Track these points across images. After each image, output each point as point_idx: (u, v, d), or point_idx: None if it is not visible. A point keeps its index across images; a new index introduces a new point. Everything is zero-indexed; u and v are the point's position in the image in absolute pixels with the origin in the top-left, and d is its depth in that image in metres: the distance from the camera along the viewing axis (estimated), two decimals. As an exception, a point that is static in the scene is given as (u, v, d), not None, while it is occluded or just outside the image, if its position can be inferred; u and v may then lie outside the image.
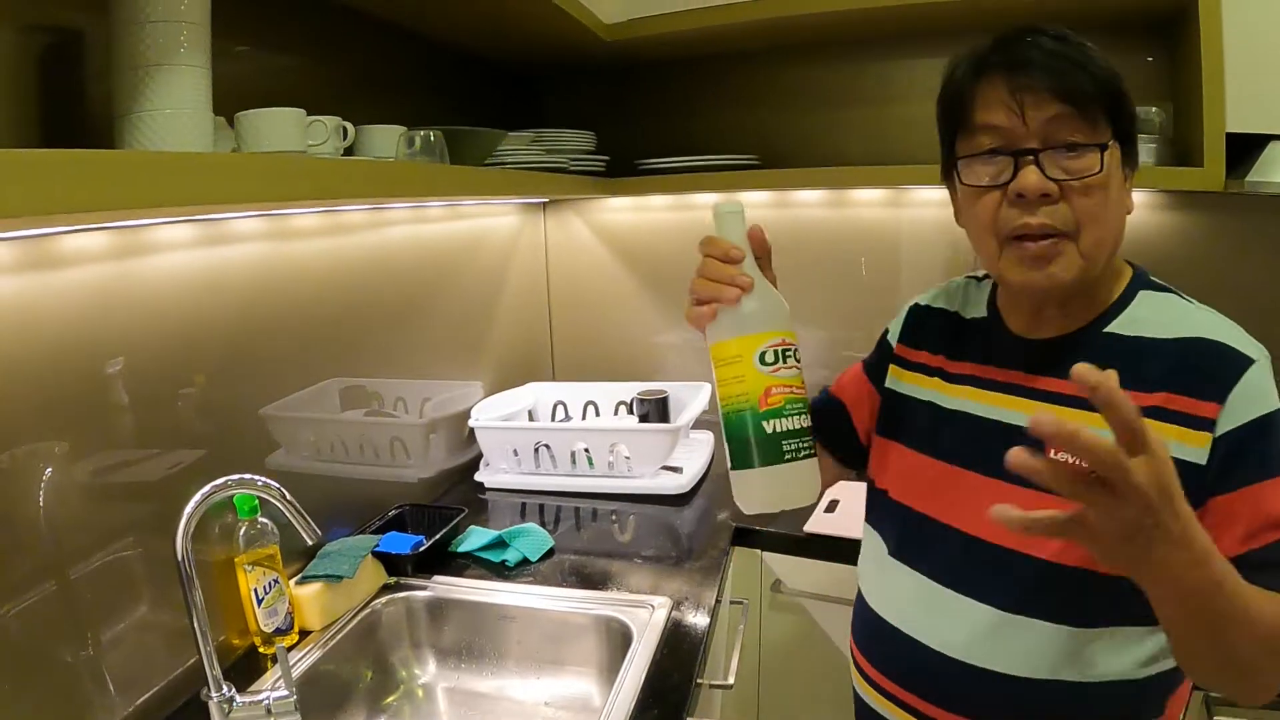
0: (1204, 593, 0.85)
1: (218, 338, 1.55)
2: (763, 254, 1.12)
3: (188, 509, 1.21)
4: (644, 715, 1.34)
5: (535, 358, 3.02)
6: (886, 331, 1.41)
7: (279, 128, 1.26)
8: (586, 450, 2.29)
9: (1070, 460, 0.77)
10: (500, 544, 1.93)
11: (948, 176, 1.17)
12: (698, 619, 1.63)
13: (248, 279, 1.62)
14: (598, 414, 2.65)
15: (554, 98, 2.91)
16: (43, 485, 1.21)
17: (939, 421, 1.22)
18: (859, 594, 1.32)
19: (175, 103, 1.07)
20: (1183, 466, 0.87)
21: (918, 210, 2.55)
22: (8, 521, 1.16)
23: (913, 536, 1.14)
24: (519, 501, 2.31)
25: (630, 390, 2.57)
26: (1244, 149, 1.92)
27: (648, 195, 2.79)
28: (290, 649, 1.54)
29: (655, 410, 2.42)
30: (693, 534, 2.05)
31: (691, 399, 2.42)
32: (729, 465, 1.09)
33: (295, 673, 1.43)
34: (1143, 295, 1.13)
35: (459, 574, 1.85)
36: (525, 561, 1.89)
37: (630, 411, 2.57)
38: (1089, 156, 1.02)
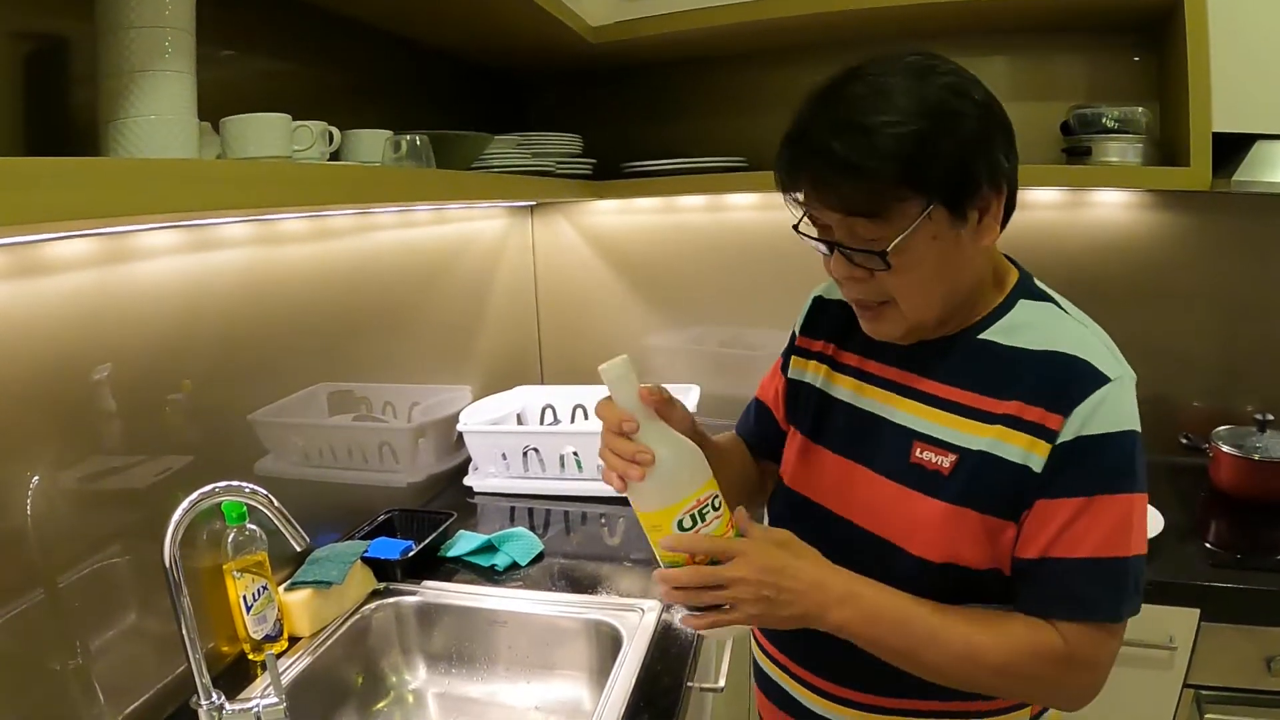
0: (866, 624, 1.05)
1: (205, 343, 1.55)
2: (660, 408, 1.12)
3: (175, 516, 1.20)
4: (635, 719, 1.34)
5: (523, 361, 3.02)
6: (795, 323, 1.43)
7: (264, 133, 1.25)
8: (575, 453, 2.29)
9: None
10: (490, 548, 1.93)
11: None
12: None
13: (234, 284, 1.62)
14: (586, 417, 2.65)
15: (541, 101, 2.90)
16: (30, 492, 1.20)
17: (824, 408, 1.27)
18: None
19: (160, 109, 1.07)
20: (1021, 472, 1.05)
21: None
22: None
23: (803, 523, 1.18)
24: (508, 505, 2.31)
25: (619, 393, 2.56)
26: (1231, 149, 1.94)
27: (635, 198, 2.79)
28: (280, 655, 1.54)
29: (644, 413, 2.42)
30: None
31: (681, 400, 2.41)
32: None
33: (285, 679, 1.43)
34: (1022, 304, 1.14)
35: (448, 579, 1.85)
36: (515, 566, 1.89)
37: (619, 414, 2.56)
38: (871, 259, 1.05)
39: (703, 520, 1.06)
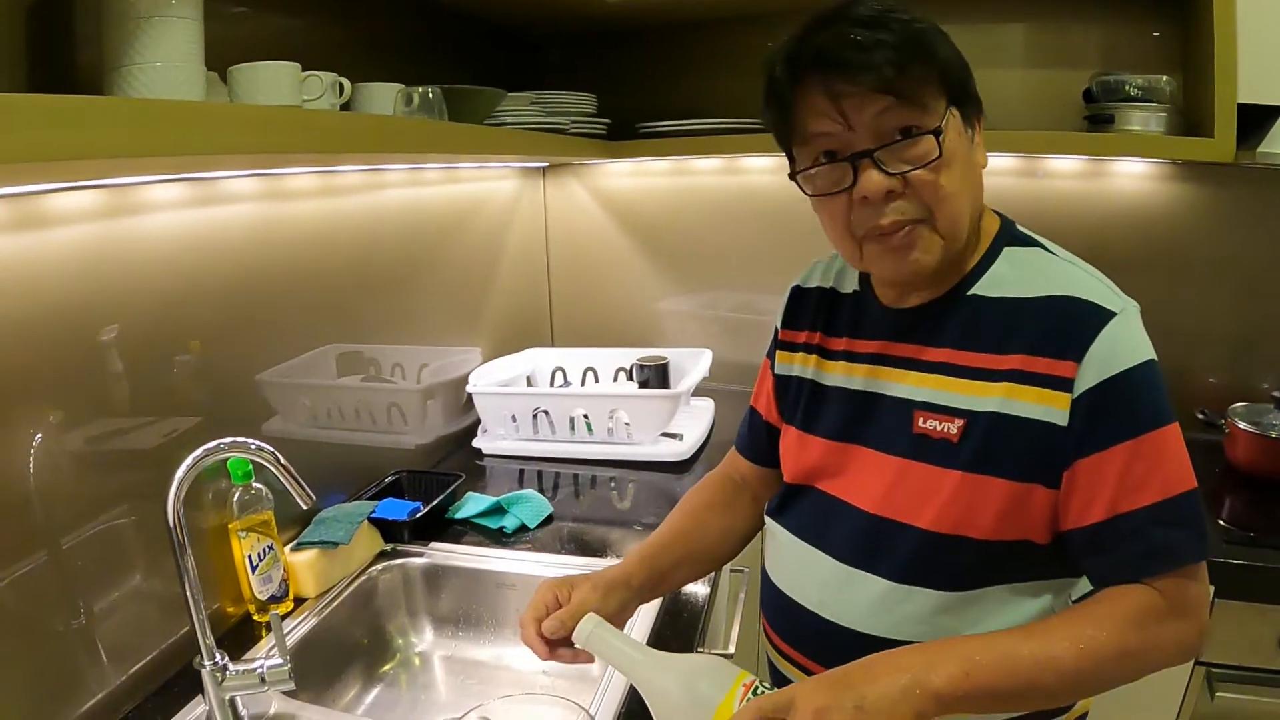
0: (965, 677, 0.90)
1: (212, 302, 1.53)
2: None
3: (179, 473, 1.18)
4: (645, 684, 1.32)
5: (534, 323, 3.00)
6: (776, 322, 1.39)
7: (273, 82, 1.23)
8: (586, 416, 2.27)
9: None
10: (498, 510, 1.91)
11: (794, 177, 1.12)
12: (697, 588, 1.61)
13: (242, 241, 1.60)
14: (597, 380, 2.63)
15: (555, 60, 2.86)
16: (33, 452, 1.18)
17: (820, 399, 1.23)
18: (763, 572, 1.32)
19: (166, 56, 1.04)
20: (1045, 429, 0.99)
21: None
22: (1, 487, 1.14)
23: (808, 515, 1.15)
24: (517, 468, 2.30)
25: (630, 356, 2.56)
26: (1255, 120, 1.91)
27: (649, 159, 2.76)
28: (285, 616, 1.53)
29: (655, 376, 2.40)
30: (692, 501, 2.03)
31: (692, 365, 2.40)
32: None
33: (290, 640, 1.41)
34: (1007, 252, 1.11)
35: (456, 541, 1.84)
36: (523, 528, 1.88)
37: (630, 378, 2.55)
38: (925, 141, 1.00)
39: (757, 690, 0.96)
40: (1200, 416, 2.28)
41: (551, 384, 2.64)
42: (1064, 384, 0.99)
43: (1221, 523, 1.95)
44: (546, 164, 2.92)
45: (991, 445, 1.02)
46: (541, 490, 2.07)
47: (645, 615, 1.50)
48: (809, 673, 1.19)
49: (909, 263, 1.05)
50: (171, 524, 1.18)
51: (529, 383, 2.61)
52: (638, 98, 2.66)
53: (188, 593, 1.21)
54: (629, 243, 2.90)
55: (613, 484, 2.17)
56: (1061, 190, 2.43)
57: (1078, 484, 1.00)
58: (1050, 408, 0.99)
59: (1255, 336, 2.36)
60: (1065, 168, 2.42)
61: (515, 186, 2.79)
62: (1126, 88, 2.12)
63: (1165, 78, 2.10)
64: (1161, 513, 0.97)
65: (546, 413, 2.29)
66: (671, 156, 2.71)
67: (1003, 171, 2.46)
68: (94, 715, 1.27)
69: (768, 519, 1.31)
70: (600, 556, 1.73)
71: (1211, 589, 1.70)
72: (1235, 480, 2.15)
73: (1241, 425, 2.13)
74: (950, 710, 0.91)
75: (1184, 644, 0.99)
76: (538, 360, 2.67)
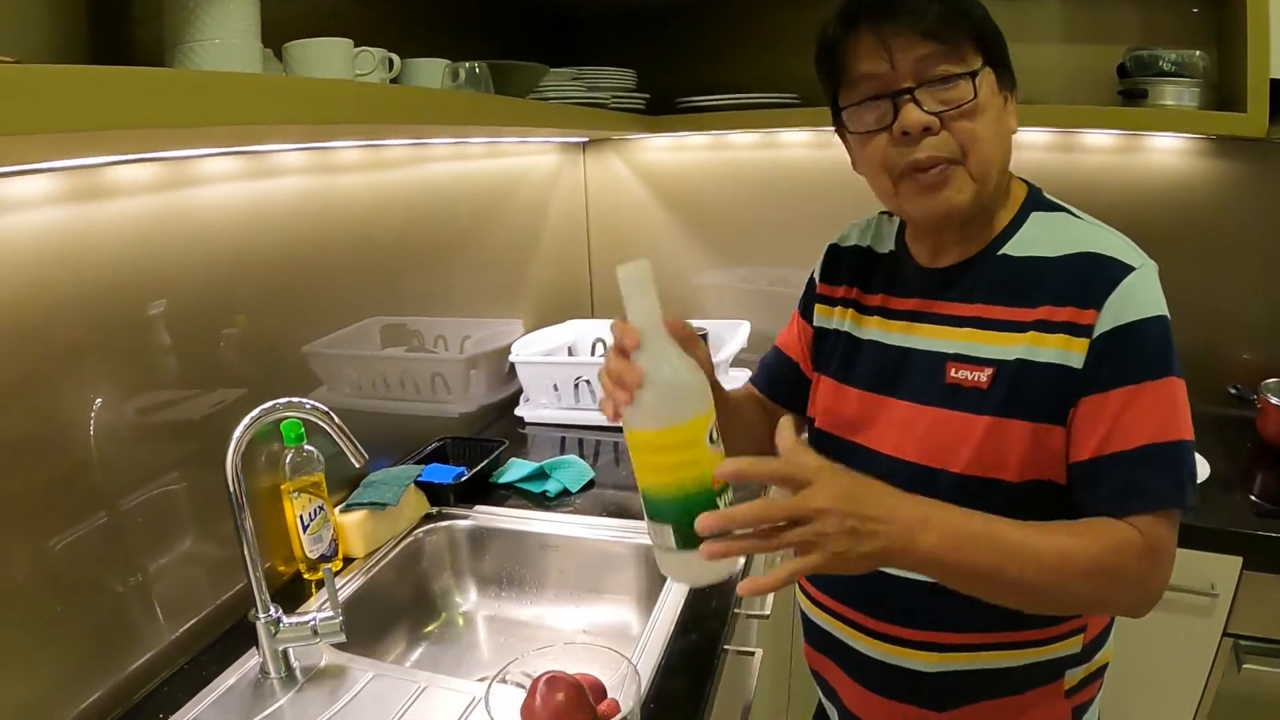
0: (955, 547, 0.95)
1: (260, 274, 1.58)
2: (682, 340, 1.02)
3: (237, 432, 1.23)
4: (683, 639, 1.37)
5: (575, 295, 3.04)
6: (813, 274, 1.43)
7: (326, 57, 1.28)
8: (625, 394, 2.29)
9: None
10: (541, 475, 1.96)
11: (839, 128, 1.20)
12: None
13: (290, 214, 1.65)
14: (637, 350, 2.67)
15: (596, 39, 2.89)
16: (92, 419, 1.24)
17: (854, 351, 1.27)
18: None
19: (225, 32, 1.09)
20: (1062, 372, 1.05)
21: None
22: (60, 455, 1.20)
23: (840, 463, 1.16)
24: (559, 436, 2.34)
25: (670, 328, 2.57)
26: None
27: (688, 133, 2.78)
28: (335, 575, 1.58)
29: (694, 347, 2.43)
30: (733, 469, 2.06)
31: (730, 336, 2.43)
32: (672, 546, 0.96)
33: (339, 597, 1.46)
34: (1035, 216, 1.17)
35: (500, 504, 1.89)
36: (565, 493, 1.93)
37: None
38: (962, 85, 1.06)
39: (720, 441, 0.95)
40: (1233, 391, 2.30)
41: (592, 354, 2.67)
42: (1085, 330, 1.05)
43: (1252, 496, 1.97)
44: (587, 139, 2.95)
45: (1017, 390, 1.08)
46: (583, 457, 2.10)
47: (679, 586, 1.53)
48: (844, 620, 1.26)
49: (941, 199, 1.10)
50: (230, 479, 1.24)
51: (570, 353, 2.65)
52: (676, 74, 2.69)
53: (245, 547, 1.27)
54: (668, 216, 2.93)
55: (653, 451, 2.20)
56: (1095, 164, 2.43)
57: (1079, 422, 1.05)
58: (1070, 352, 1.05)
59: None
60: (1100, 142, 2.42)
61: (556, 161, 2.83)
62: (1160, 62, 2.12)
63: (1199, 52, 2.10)
64: (1147, 456, 1.02)
65: (588, 382, 2.33)
66: (709, 131, 2.72)
67: (1039, 146, 2.47)
68: (152, 666, 1.34)
69: None
70: (641, 520, 1.76)
71: (1239, 560, 1.77)
72: (1267, 455, 2.16)
73: (1274, 400, 2.13)
74: (924, 570, 0.98)
75: (1155, 588, 1.03)
76: (579, 331, 2.71)
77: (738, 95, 2.44)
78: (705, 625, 1.41)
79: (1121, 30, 2.32)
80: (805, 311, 1.43)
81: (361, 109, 1.23)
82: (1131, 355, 1.03)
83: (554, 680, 1.05)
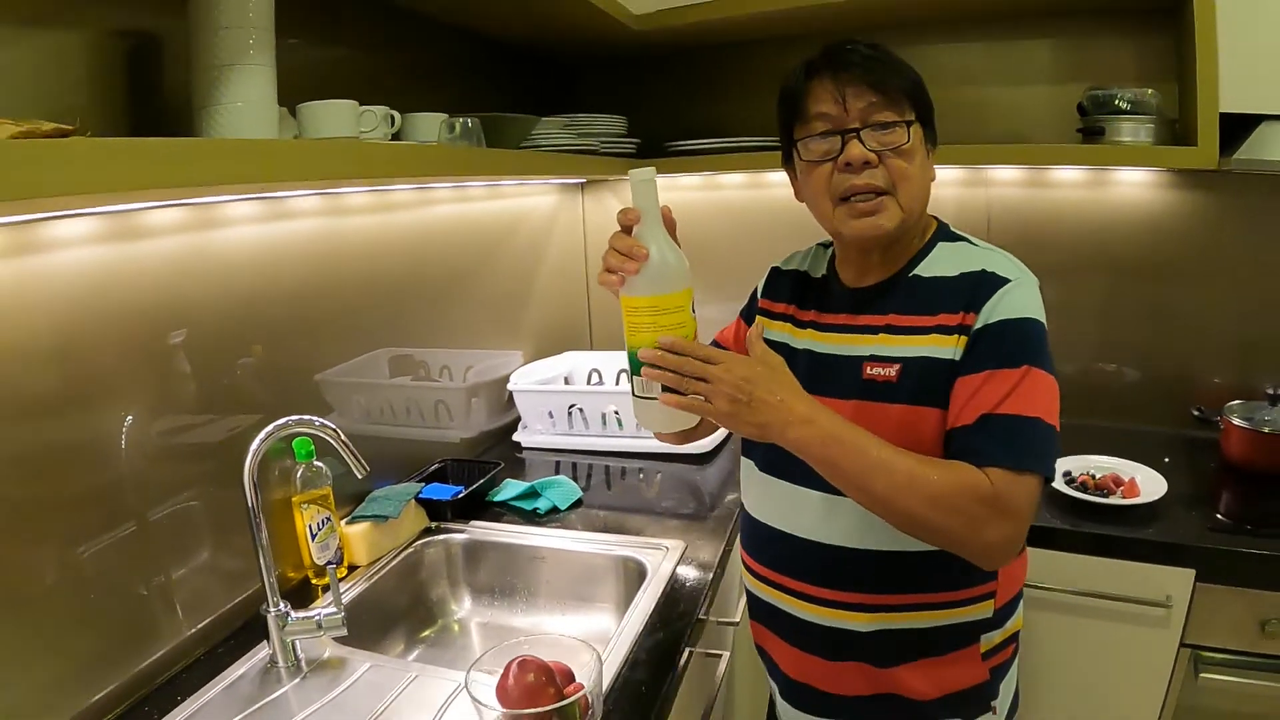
0: (821, 444, 1.21)
1: (277, 307, 1.74)
2: (670, 228, 1.31)
3: (254, 444, 1.39)
4: (650, 638, 1.52)
5: (574, 328, 3.19)
6: (756, 289, 1.68)
7: (335, 117, 1.44)
8: (616, 412, 2.45)
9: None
10: (532, 494, 2.11)
11: (787, 160, 1.45)
12: (708, 560, 1.80)
13: (304, 253, 1.81)
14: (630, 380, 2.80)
15: (589, 84, 3.06)
16: (123, 436, 1.40)
17: (790, 357, 1.43)
18: (741, 505, 1.59)
19: (246, 97, 1.26)
20: (947, 366, 1.28)
21: (942, 189, 2.62)
22: (92, 467, 1.36)
23: (774, 452, 1.33)
24: (553, 460, 2.49)
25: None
26: (1246, 129, 2.02)
27: (679, 175, 2.92)
28: (340, 580, 1.73)
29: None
30: (713, 490, 2.22)
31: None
32: (655, 396, 1.27)
33: (343, 600, 1.60)
34: (940, 245, 1.41)
35: (495, 520, 2.04)
36: (555, 510, 2.07)
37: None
38: (898, 131, 1.30)
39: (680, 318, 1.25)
40: (1196, 414, 2.41)
41: (588, 383, 2.82)
42: (966, 330, 1.28)
43: (1208, 511, 2.05)
44: (584, 180, 3.11)
45: (920, 383, 1.30)
46: (575, 479, 2.25)
47: (658, 580, 1.70)
48: (781, 589, 1.46)
49: (872, 223, 1.33)
50: (248, 485, 1.40)
51: (566, 382, 2.79)
52: (668, 118, 2.85)
53: (258, 547, 1.42)
54: None
55: (640, 474, 2.36)
56: (1067, 198, 2.57)
57: (951, 398, 1.27)
58: (958, 349, 1.28)
59: (1257, 338, 2.45)
60: (1069, 177, 2.56)
61: (555, 201, 3.00)
62: (1116, 101, 2.26)
63: (1150, 90, 2.24)
64: (984, 423, 1.23)
65: (580, 409, 2.49)
66: (695, 172, 2.89)
67: (1014, 182, 2.62)
68: (171, 657, 1.49)
69: (742, 457, 1.57)
70: (624, 534, 1.93)
71: (1193, 572, 1.86)
72: (1227, 474, 2.25)
73: (1235, 421, 2.23)
74: (799, 454, 1.23)
75: (995, 538, 1.20)
76: (575, 362, 2.86)
77: (723, 140, 2.58)
78: (672, 626, 1.55)
79: (1087, 68, 2.47)
80: (747, 318, 1.67)
81: (364, 165, 1.41)
82: (993, 347, 1.26)
83: (525, 663, 1.20)
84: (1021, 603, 1.47)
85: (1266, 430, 2.19)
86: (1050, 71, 2.53)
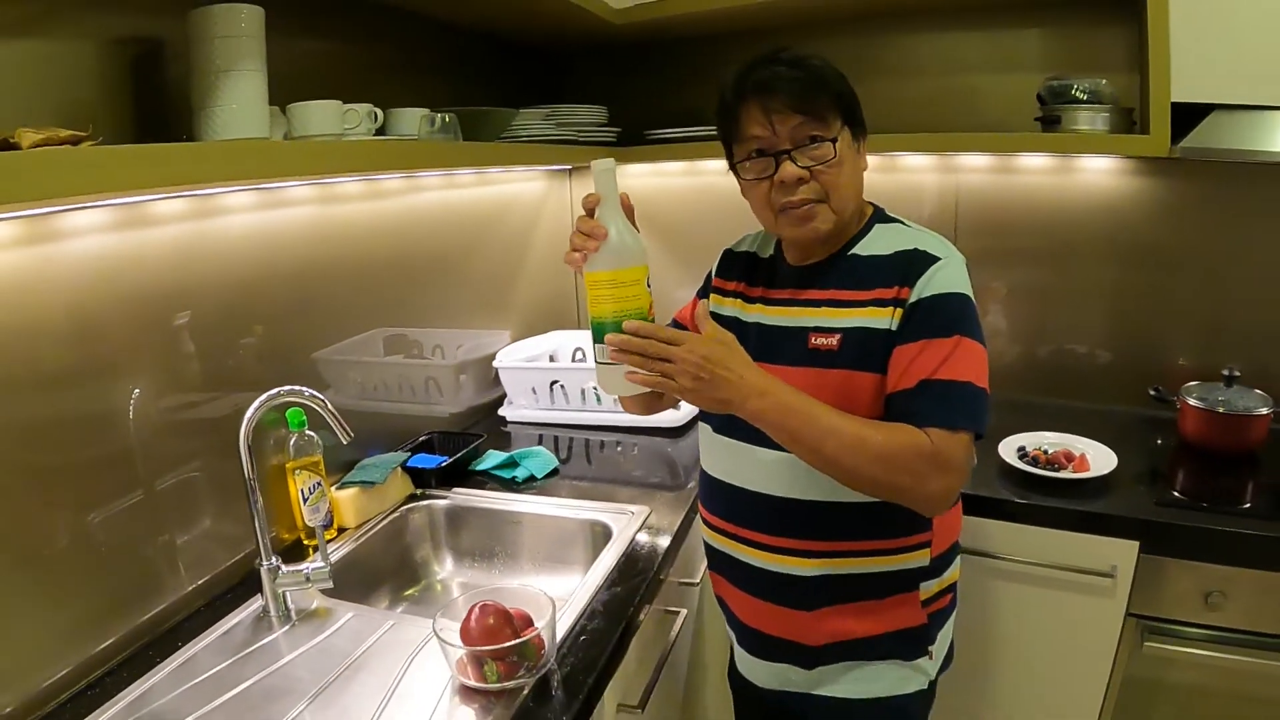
0: (778, 413, 1.33)
1: (276, 290, 1.87)
2: (628, 213, 1.43)
3: (249, 412, 1.54)
4: (608, 593, 1.66)
5: (561, 309, 3.31)
6: (711, 268, 1.79)
7: (321, 115, 1.58)
8: (595, 389, 2.59)
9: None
10: (512, 463, 2.26)
11: (733, 170, 1.55)
12: (670, 525, 1.94)
13: (301, 237, 1.94)
14: (611, 359, 2.93)
15: (572, 75, 3.17)
16: (131, 410, 1.54)
17: (741, 330, 1.56)
18: (699, 466, 1.71)
19: (239, 100, 1.39)
20: (887, 335, 1.41)
21: (913, 176, 2.81)
22: (103, 437, 1.50)
23: (728, 417, 1.44)
24: (536, 433, 2.63)
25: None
26: (1201, 119, 2.09)
27: (656, 162, 3.04)
28: (329, 542, 1.87)
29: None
30: (686, 463, 2.34)
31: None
32: (615, 364, 1.36)
33: (333, 559, 1.70)
34: (877, 227, 1.54)
35: (476, 488, 2.18)
36: (532, 478, 2.22)
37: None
38: (825, 146, 1.43)
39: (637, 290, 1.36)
40: (1152, 394, 2.45)
41: (572, 360, 2.94)
42: (900, 303, 1.41)
43: (1156, 486, 2.10)
44: (571, 167, 3.23)
45: (858, 351, 1.43)
46: (556, 452, 2.40)
47: (621, 541, 1.84)
48: (735, 538, 1.59)
49: (810, 229, 1.47)
50: (243, 448, 1.54)
51: (551, 359, 2.91)
52: (648, 107, 2.96)
53: (252, 506, 1.57)
54: (647, 235, 3.06)
55: (618, 447, 2.49)
56: (1031, 184, 2.65)
57: (889, 366, 1.40)
58: (893, 320, 1.41)
59: (1216, 322, 2.52)
60: (1034, 164, 2.64)
61: (543, 187, 3.13)
62: (1073, 91, 2.34)
63: (1104, 80, 2.32)
64: (922, 387, 1.36)
65: (562, 385, 2.63)
66: (675, 160, 3.00)
67: (981, 169, 2.70)
68: (173, 608, 1.63)
69: (700, 421, 1.69)
70: (596, 500, 2.07)
71: (1137, 544, 1.93)
72: (1181, 452, 2.34)
73: (1191, 402, 2.30)
74: (757, 424, 1.35)
75: (937, 490, 1.35)
76: (560, 341, 2.98)
77: (700, 128, 2.69)
78: (629, 582, 1.69)
79: (1048, 58, 2.56)
80: (703, 296, 1.78)
81: (350, 161, 1.57)
82: (926, 319, 1.39)
83: (485, 607, 1.35)
84: (959, 557, 1.61)
85: (1221, 410, 2.25)
86: (1026, 60, 2.59)
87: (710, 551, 1.69)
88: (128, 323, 1.52)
